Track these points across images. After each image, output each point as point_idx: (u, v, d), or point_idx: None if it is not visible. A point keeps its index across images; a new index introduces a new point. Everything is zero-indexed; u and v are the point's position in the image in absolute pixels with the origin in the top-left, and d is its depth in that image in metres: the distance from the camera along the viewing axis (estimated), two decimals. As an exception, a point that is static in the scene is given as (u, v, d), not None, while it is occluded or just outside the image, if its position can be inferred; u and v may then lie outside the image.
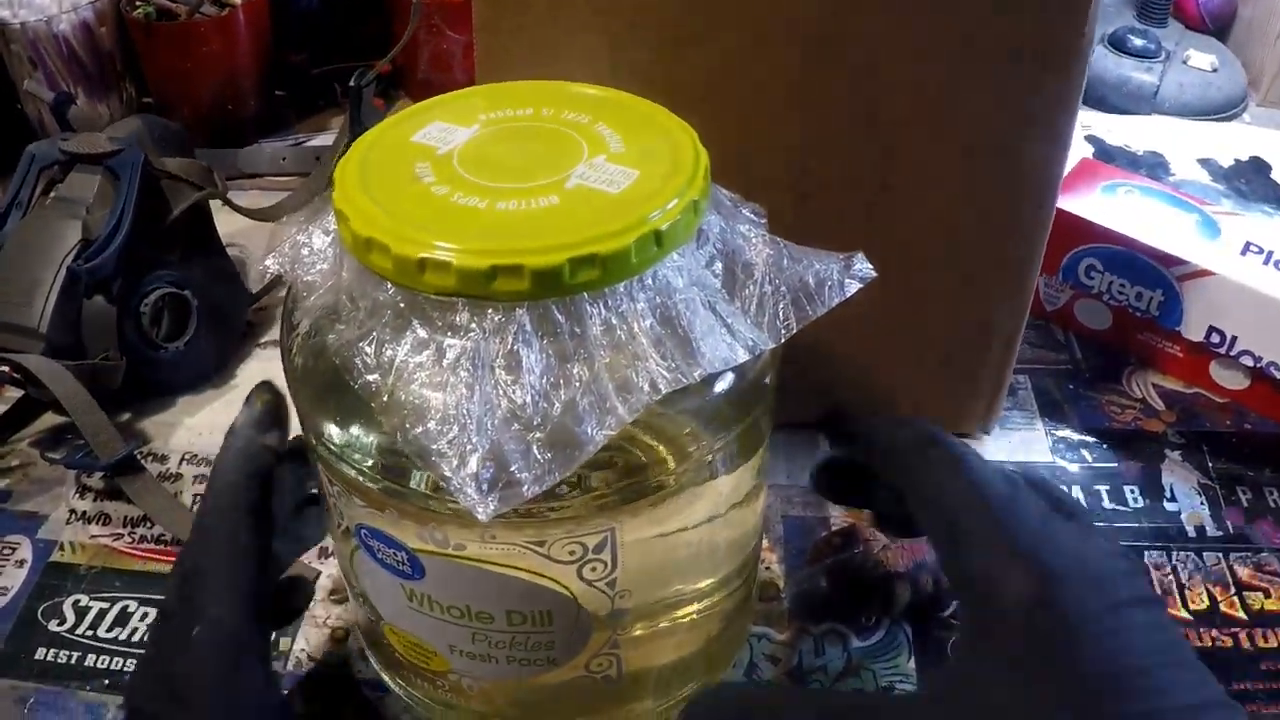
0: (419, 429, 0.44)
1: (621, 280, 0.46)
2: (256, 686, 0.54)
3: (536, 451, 0.44)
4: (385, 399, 0.47)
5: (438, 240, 0.46)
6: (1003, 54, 0.67)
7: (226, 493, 0.57)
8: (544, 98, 0.57)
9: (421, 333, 0.47)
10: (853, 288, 0.54)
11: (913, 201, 0.72)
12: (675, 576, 0.57)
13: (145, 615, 0.72)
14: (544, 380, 0.45)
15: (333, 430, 0.53)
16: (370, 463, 0.51)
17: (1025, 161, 0.70)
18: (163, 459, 0.83)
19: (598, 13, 0.67)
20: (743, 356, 0.48)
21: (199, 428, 0.86)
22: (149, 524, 0.78)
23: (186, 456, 0.83)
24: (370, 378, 0.47)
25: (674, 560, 0.56)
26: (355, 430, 0.52)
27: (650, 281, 0.47)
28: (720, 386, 0.51)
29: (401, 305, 0.48)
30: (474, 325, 0.46)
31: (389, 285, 0.47)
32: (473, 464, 0.43)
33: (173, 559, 0.75)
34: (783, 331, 0.51)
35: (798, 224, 0.72)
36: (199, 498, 0.79)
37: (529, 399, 0.45)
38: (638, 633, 0.57)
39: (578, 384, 0.45)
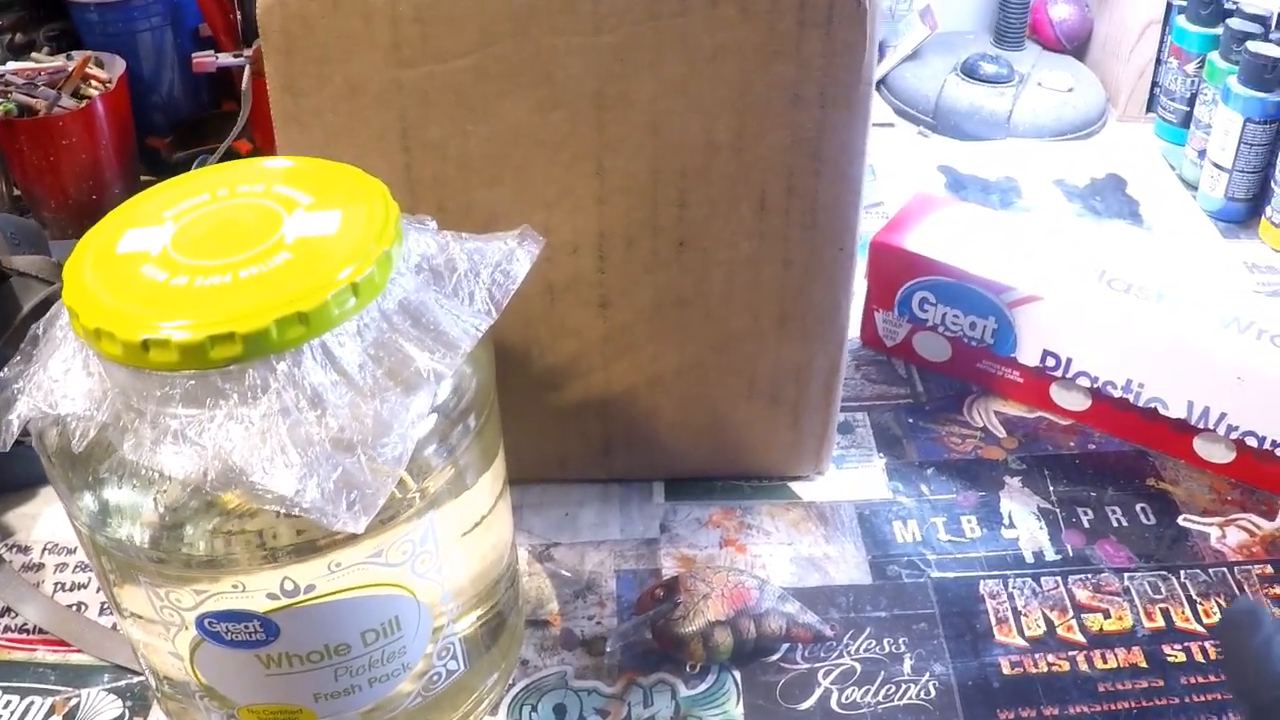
0: (265, 479, 0.49)
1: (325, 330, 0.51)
2: None
3: (368, 462, 0.50)
4: (214, 473, 0.49)
5: (159, 321, 0.50)
6: (784, 99, 0.68)
7: None
8: (216, 182, 0.60)
9: (225, 402, 0.50)
10: (526, 258, 0.59)
11: (713, 251, 0.73)
12: (477, 559, 0.65)
13: (8, 703, 0.73)
14: (346, 405, 0.51)
15: (145, 532, 0.55)
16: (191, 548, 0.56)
17: (818, 204, 0.71)
18: (25, 550, 0.84)
19: (389, 92, 0.68)
20: (484, 327, 0.56)
21: (60, 517, 0.86)
22: (12, 614, 0.79)
23: (49, 547, 0.84)
24: (188, 461, 0.50)
25: (474, 546, 0.65)
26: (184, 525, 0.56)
27: (385, 304, 0.54)
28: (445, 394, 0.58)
29: (191, 385, 0.50)
30: (270, 381, 0.50)
31: (173, 376, 0.50)
32: (329, 488, 0.49)
33: (35, 647, 0.77)
34: (494, 309, 0.57)
35: (604, 281, 0.73)
36: (60, 586, 0.81)
37: (341, 423, 0.50)
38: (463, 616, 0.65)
39: (372, 396, 0.51)
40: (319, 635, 0.58)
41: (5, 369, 0.56)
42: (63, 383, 0.54)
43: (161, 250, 0.54)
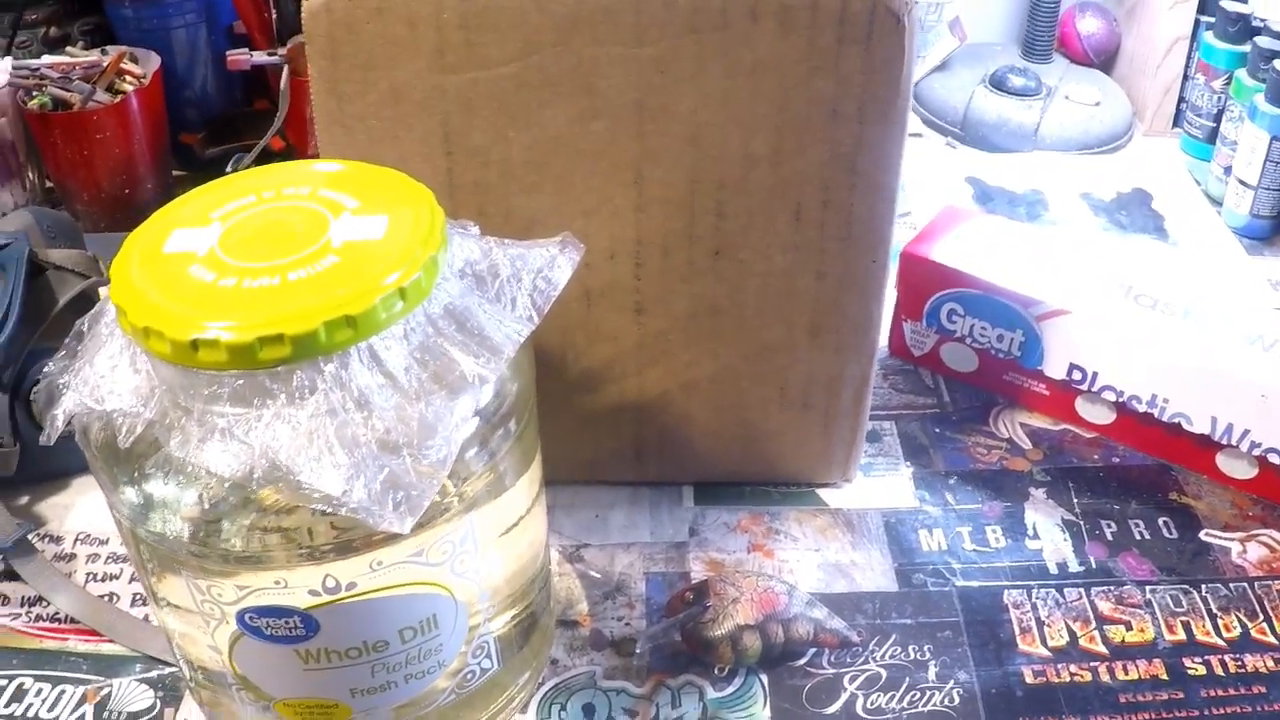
0: (315, 479, 0.49)
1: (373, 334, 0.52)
2: None
3: (413, 464, 0.50)
4: (261, 471, 0.50)
5: (208, 321, 0.50)
6: (823, 114, 0.68)
7: None
8: (262, 184, 0.60)
9: (273, 402, 0.51)
10: (567, 265, 0.59)
11: (749, 262, 0.74)
12: (513, 559, 0.66)
13: (40, 691, 0.74)
14: (392, 407, 0.52)
15: (186, 525, 0.56)
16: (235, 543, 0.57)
17: (854, 217, 0.72)
18: (58, 540, 0.85)
19: (433, 98, 0.69)
20: (526, 332, 0.56)
21: (92, 508, 0.87)
22: (45, 603, 0.80)
23: (80, 536, 0.85)
24: (234, 459, 0.51)
25: (511, 547, 0.65)
26: (223, 521, 0.57)
27: (431, 309, 0.54)
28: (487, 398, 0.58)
29: (239, 385, 0.51)
30: (318, 383, 0.50)
31: (221, 375, 0.51)
32: (376, 489, 0.49)
33: (68, 637, 0.77)
34: (535, 315, 0.58)
35: (641, 288, 0.74)
36: (92, 576, 0.82)
37: (387, 425, 0.51)
38: (497, 615, 0.66)
39: (417, 399, 0.52)
40: (358, 632, 0.59)
41: (50, 363, 0.57)
42: (109, 379, 0.55)
43: (209, 251, 0.55)
